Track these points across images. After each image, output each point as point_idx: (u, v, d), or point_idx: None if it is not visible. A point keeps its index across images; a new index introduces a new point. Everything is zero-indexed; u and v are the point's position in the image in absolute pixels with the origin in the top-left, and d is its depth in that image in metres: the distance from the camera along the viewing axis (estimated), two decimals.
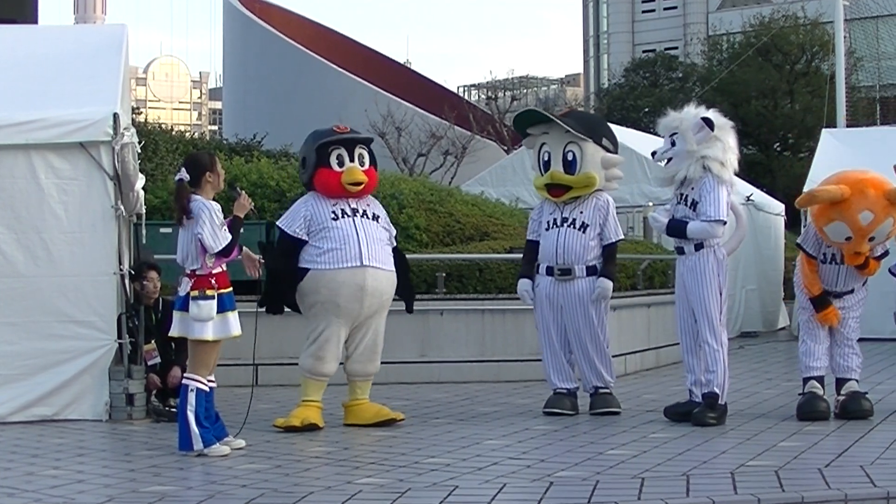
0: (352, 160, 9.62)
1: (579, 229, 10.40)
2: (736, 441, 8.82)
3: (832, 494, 6.90)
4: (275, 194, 14.60)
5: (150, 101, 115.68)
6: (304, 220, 9.52)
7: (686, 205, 9.88)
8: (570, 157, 10.47)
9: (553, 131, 10.63)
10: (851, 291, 10.14)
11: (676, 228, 9.87)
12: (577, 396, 10.49)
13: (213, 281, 8.33)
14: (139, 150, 10.45)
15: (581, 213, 10.45)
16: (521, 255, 11.06)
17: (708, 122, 9.79)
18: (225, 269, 8.46)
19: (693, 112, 9.93)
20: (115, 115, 10.06)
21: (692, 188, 9.85)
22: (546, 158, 10.62)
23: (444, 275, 13.17)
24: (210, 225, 8.26)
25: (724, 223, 9.81)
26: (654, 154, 10.23)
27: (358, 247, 9.44)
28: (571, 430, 9.45)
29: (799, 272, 10.27)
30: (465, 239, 14.68)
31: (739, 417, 9.97)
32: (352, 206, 9.59)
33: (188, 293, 8.31)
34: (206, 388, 8.37)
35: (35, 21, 17.33)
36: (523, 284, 10.62)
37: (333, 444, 8.75)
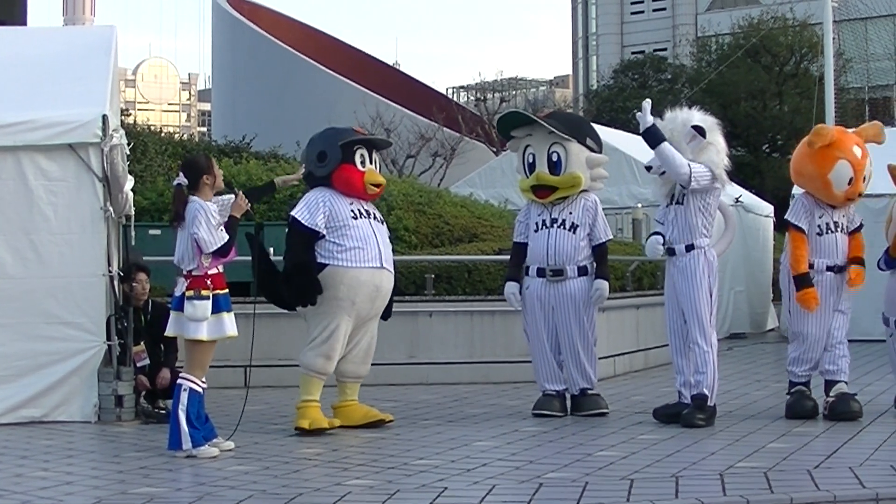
0: (370, 162, 9.66)
1: (569, 230, 10.40)
2: (725, 442, 8.83)
3: (821, 496, 6.91)
4: None
5: (139, 102, 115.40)
6: (324, 214, 9.44)
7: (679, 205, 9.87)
8: (554, 157, 10.46)
9: (537, 133, 10.61)
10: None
11: (654, 135, 9.63)
12: (567, 398, 10.50)
13: (208, 282, 8.33)
14: (128, 152, 10.45)
15: (570, 213, 10.44)
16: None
17: (699, 131, 9.76)
18: (221, 270, 8.47)
19: (681, 118, 9.87)
20: (105, 117, 10.05)
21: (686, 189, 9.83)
22: (531, 160, 10.60)
23: (432, 276, 13.15)
24: (206, 224, 8.27)
25: (691, 179, 9.60)
26: (648, 168, 10.09)
27: (378, 248, 9.47)
28: (560, 432, 9.45)
29: (785, 274, 10.22)
30: (454, 240, 14.69)
31: (728, 419, 9.98)
32: (364, 207, 9.61)
33: (184, 293, 8.33)
34: (199, 390, 8.37)
35: (24, 22, 17.36)
36: (510, 287, 10.60)
37: (322, 446, 8.74)
